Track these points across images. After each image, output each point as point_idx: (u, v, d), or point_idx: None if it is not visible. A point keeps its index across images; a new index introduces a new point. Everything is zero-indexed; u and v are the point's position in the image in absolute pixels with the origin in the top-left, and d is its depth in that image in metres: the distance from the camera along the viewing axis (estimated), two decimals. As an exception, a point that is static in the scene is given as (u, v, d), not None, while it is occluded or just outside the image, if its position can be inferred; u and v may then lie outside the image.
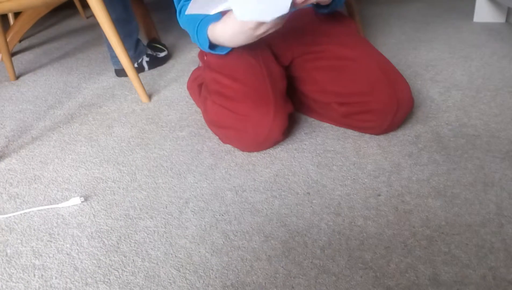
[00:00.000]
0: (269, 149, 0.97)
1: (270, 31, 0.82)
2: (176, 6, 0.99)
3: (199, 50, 1.16)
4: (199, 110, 1.19)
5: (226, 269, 0.67)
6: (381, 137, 0.98)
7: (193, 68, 1.49)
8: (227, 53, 0.95)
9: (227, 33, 0.85)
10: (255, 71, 0.95)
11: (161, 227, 0.77)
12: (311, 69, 1.01)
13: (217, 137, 1.04)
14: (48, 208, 0.85)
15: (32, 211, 0.84)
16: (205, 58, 1.04)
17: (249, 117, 0.90)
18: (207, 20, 0.89)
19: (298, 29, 1.03)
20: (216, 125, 0.97)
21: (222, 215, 0.79)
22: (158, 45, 1.59)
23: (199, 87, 1.14)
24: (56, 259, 0.72)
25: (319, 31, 1.03)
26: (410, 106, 0.95)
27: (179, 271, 0.68)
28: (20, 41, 2.03)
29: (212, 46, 0.92)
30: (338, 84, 0.96)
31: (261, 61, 0.97)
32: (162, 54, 1.56)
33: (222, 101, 0.94)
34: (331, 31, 1.03)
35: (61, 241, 0.76)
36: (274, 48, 1.03)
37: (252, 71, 0.95)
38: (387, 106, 0.91)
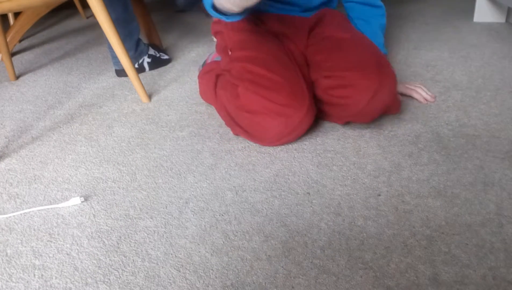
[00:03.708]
0: (269, 149, 0.97)
1: None
2: None
3: (215, 44, 1.18)
4: (199, 110, 1.19)
5: (226, 269, 0.67)
6: (381, 137, 0.98)
7: (193, 68, 1.49)
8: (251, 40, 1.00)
9: None
10: (287, 64, 0.99)
11: (161, 227, 0.77)
12: (313, 52, 1.05)
13: (217, 137, 1.04)
14: (48, 208, 0.85)
15: (32, 211, 0.84)
16: (230, 53, 1.06)
17: (284, 106, 0.92)
18: None
19: (309, 23, 1.09)
20: (246, 110, 0.96)
21: (222, 215, 0.79)
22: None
23: (216, 77, 1.13)
24: (56, 259, 0.72)
25: (322, 24, 1.08)
26: (392, 93, 0.94)
27: (179, 271, 0.68)
28: (20, 41, 2.03)
29: (217, 10, 0.90)
30: (331, 59, 0.99)
31: (290, 54, 1.02)
32: (165, 57, 1.56)
33: (256, 88, 0.95)
34: (332, 23, 1.08)
35: (61, 241, 0.76)
36: (292, 39, 1.08)
37: (284, 63, 0.98)
38: (367, 83, 0.91)
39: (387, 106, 0.96)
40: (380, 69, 0.92)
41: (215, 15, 0.91)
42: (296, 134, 0.96)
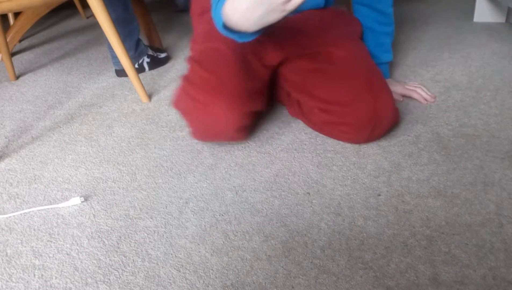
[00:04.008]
0: (269, 149, 0.97)
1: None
2: None
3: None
4: (199, 110, 1.19)
5: (226, 269, 0.67)
6: (381, 137, 0.98)
7: (193, 68, 1.49)
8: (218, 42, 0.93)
9: (241, 6, 0.67)
10: (229, 64, 0.92)
11: (161, 227, 0.77)
12: (301, 71, 1.00)
13: (217, 137, 1.04)
14: (48, 208, 0.85)
15: (32, 211, 0.84)
16: (192, 46, 1.05)
17: (205, 106, 0.89)
18: None
19: (297, 30, 1.01)
20: (177, 108, 0.96)
21: (222, 215, 0.79)
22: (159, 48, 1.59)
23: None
24: (56, 259, 0.72)
25: (318, 33, 1.01)
26: (390, 121, 0.92)
27: (179, 271, 0.68)
28: (20, 41, 2.03)
29: (229, 28, 0.78)
30: (322, 89, 0.95)
31: (240, 56, 0.95)
32: (162, 55, 1.56)
33: (187, 87, 0.93)
34: (329, 33, 1.01)
35: (61, 241, 0.76)
36: (266, 45, 1.00)
37: (226, 63, 0.92)
38: (364, 122, 0.89)
39: (389, 127, 0.95)
40: (375, 100, 0.88)
41: (227, 35, 0.79)
42: (224, 134, 0.93)
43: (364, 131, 0.91)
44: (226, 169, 0.92)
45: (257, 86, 0.97)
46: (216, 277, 0.66)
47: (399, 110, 1.05)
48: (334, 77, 0.94)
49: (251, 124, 1.00)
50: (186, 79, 0.95)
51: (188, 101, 0.92)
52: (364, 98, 0.89)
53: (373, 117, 0.89)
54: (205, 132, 0.94)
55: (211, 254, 0.70)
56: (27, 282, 0.68)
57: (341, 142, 0.97)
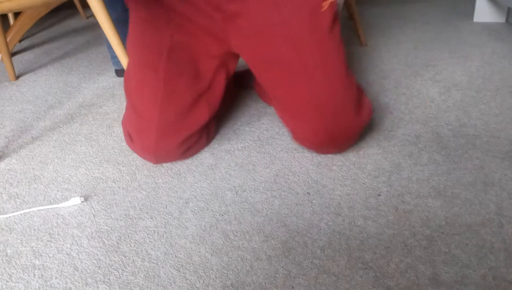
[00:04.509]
0: (269, 149, 0.97)
1: None
2: None
3: None
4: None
5: (226, 269, 0.67)
6: (381, 137, 0.98)
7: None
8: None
9: None
10: (152, 97, 0.84)
11: (161, 227, 0.77)
12: (252, 58, 0.87)
13: (217, 137, 1.04)
14: (48, 208, 0.85)
15: (32, 211, 0.84)
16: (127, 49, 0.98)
17: (137, 143, 0.89)
18: None
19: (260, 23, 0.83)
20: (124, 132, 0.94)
21: (222, 215, 0.79)
22: None
23: None
24: (56, 259, 0.72)
25: (283, 31, 0.82)
26: (350, 137, 0.82)
27: (179, 271, 0.68)
28: (20, 41, 2.03)
29: None
30: (272, 87, 0.86)
31: (170, 70, 0.84)
32: None
33: (124, 118, 0.92)
34: (296, 36, 0.81)
35: (61, 241, 0.76)
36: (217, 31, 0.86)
37: (149, 95, 0.84)
38: (310, 141, 0.82)
39: (351, 143, 0.84)
40: (324, 120, 0.77)
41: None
42: (170, 159, 0.92)
43: (314, 148, 0.84)
44: (226, 169, 0.92)
45: (199, 90, 0.88)
46: (216, 277, 0.66)
47: (373, 110, 0.94)
48: (280, 81, 0.82)
49: (203, 136, 0.95)
50: (126, 107, 0.93)
51: (125, 133, 0.93)
52: (309, 117, 0.78)
53: (322, 139, 0.80)
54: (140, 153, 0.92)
55: (211, 254, 0.70)
56: (27, 282, 0.68)
57: (341, 142, 0.97)
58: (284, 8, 0.79)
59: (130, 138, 0.92)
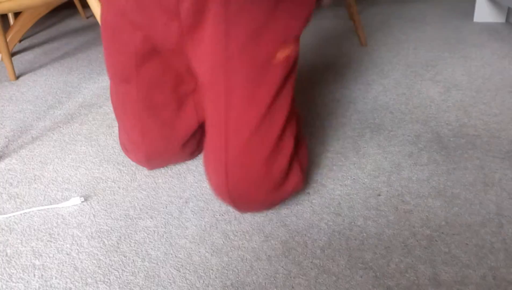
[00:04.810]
0: (269, 149, 0.97)
1: None
2: None
3: None
4: (199, 110, 1.18)
5: (226, 269, 0.67)
6: (381, 137, 0.98)
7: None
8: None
9: None
10: (137, 118, 0.79)
11: (161, 227, 0.77)
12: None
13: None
14: (48, 208, 0.85)
15: (32, 211, 0.84)
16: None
17: (133, 156, 0.88)
18: None
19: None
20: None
21: (222, 215, 0.79)
22: None
23: None
24: (56, 259, 0.72)
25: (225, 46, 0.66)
26: (261, 202, 0.68)
27: (179, 271, 0.68)
28: (20, 41, 2.03)
29: None
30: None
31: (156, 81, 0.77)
32: None
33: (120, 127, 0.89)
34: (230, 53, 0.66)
35: (61, 241, 0.76)
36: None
37: (133, 116, 0.79)
38: (218, 193, 0.70)
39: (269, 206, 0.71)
40: (226, 178, 0.63)
41: None
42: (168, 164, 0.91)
43: (228, 203, 0.71)
44: (226, 169, 0.92)
45: (184, 91, 0.82)
46: (216, 277, 0.66)
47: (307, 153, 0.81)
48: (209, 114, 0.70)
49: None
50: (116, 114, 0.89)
51: (120, 142, 0.92)
52: (215, 161, 0.64)
53: (226, 196, 0.67)
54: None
55: (211, 254, 0.70)
56: (27, 282, 0.68)
57: (341, 142, 0.97)
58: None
59: (125, 148, 0.91)
